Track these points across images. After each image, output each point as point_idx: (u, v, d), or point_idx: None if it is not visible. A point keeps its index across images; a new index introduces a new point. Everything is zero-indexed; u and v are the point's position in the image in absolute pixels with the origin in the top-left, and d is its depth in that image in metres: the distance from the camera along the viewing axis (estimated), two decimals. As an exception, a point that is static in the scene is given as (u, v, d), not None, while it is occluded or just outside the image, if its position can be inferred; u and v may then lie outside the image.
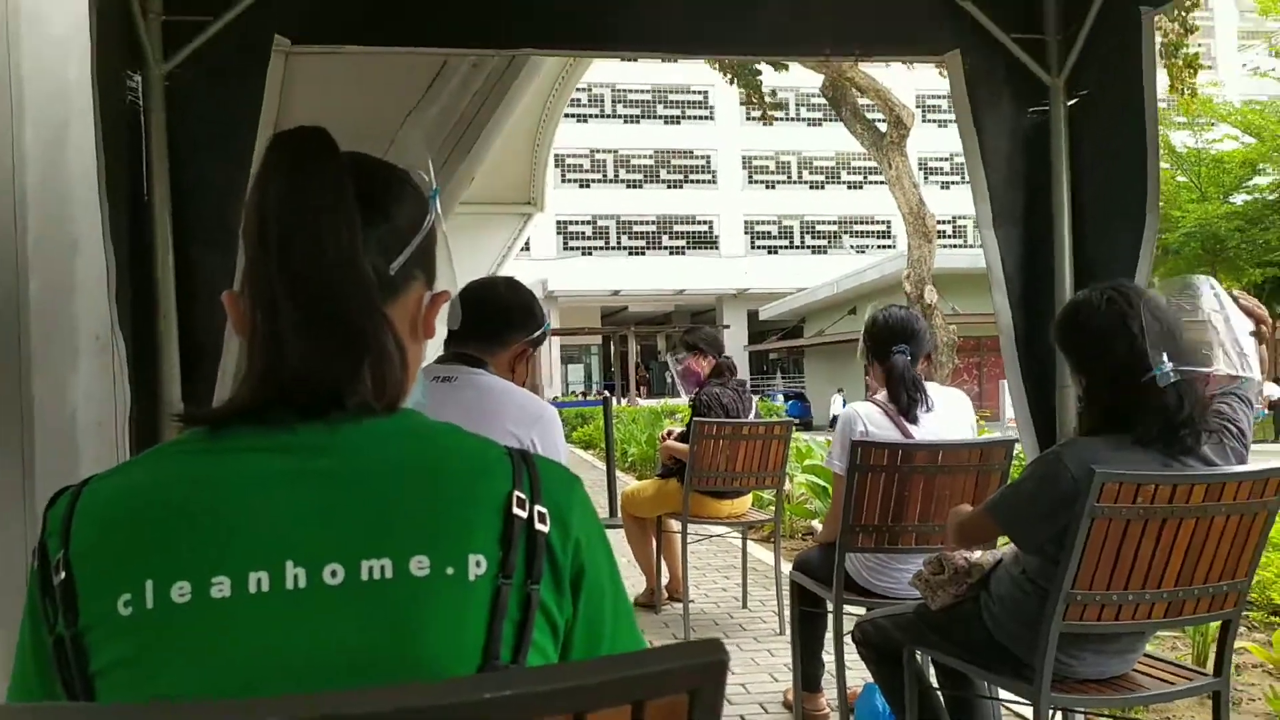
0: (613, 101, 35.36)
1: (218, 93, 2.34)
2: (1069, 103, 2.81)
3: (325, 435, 0.78)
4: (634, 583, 4.98)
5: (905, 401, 2.91)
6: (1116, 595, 1.94)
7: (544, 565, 0.77)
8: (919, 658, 2.42)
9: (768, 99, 13.02)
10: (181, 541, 0.72)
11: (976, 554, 2.24)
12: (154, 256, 2.15)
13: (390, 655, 0.71)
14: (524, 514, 0.78)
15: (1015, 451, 2.93)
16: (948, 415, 2.95)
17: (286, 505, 0.75)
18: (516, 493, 0.79)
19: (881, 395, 2.98)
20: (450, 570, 0.74)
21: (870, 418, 2.89)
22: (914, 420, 2.89)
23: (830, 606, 2.92)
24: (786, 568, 4.43)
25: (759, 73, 11.92)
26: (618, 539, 5.12)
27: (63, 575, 0.73)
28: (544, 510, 0.79)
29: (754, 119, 12.70)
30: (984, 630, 2.12)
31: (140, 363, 2.09)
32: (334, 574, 0.72)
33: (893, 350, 2.93)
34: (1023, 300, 2.82)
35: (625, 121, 35.46)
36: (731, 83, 12.60)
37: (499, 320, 2.05)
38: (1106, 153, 2.75)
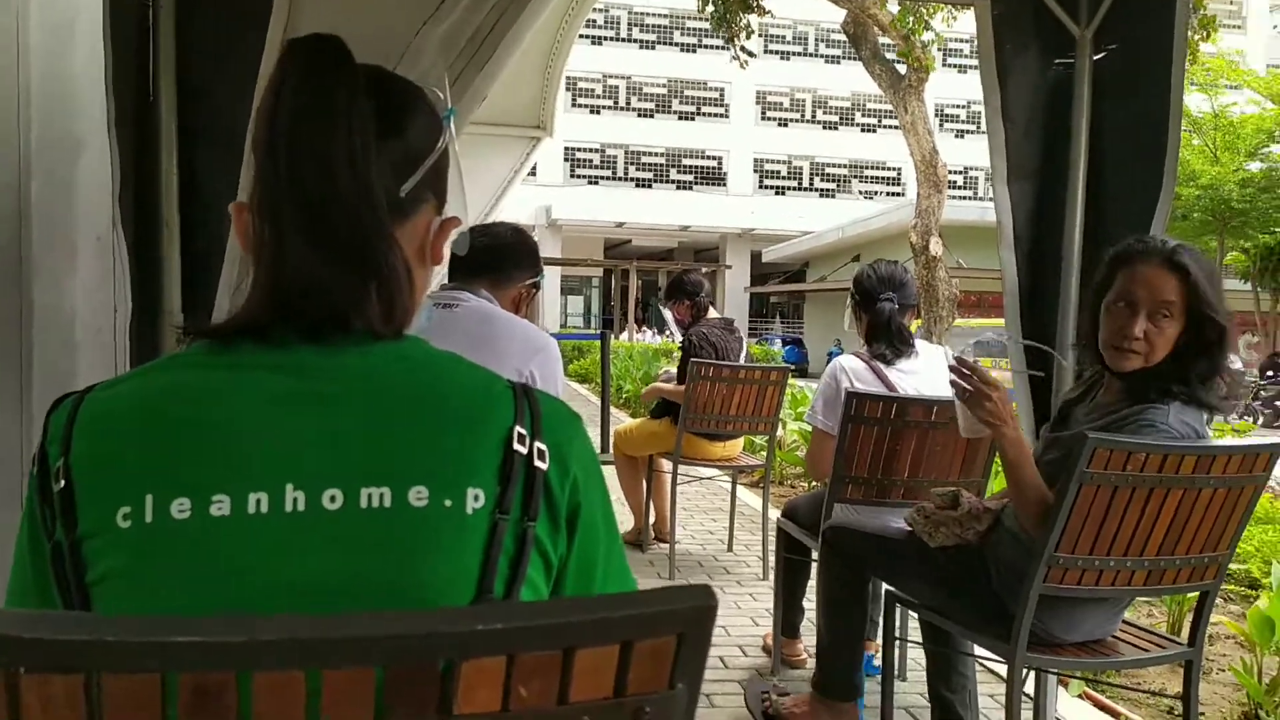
0: (629, 25, 34.62)
1: (228, -10, 2.28)
2: (1095, 56, 2.75)
3: (330, 358, 0.78)
4: (622, 520, 5.04)
5: (888, 350, 2.93)
6: (1099, 561, 1.96)
7: (541, 502, 0.78)
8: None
9: (759, 37, 12.29)
10: (183, 457, 0.73)
11: (992, 502, 2.24)
12: (158, 159, 2.11)
13: (384, 584, 0.71)
14: (524, 450, 0.78)
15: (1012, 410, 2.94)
16: (931, 371, 2.96)
17: (289, 427, 0.74)
18: (517, 428, 0.79)
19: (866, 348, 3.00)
20: (448, 503, 0.74)
21: (855, 371, 2.91)
22: (892, 365, 2.91)
23: (814, 555, 2.96)
24: (774, 513, 4.49)
25: (752, 9, 11.23)
26: (609, 475, 5.17)
27: (62, 483, 0.73)
28: (543, 447, 0.79)
29: (744, 57, 11.73)
30: (985, 581, 2.12)
31: (141, 267, 2.07)
32: (333, 499, 0.72)
33: (879, 298, 2.95)
34: (1030, 258, 2.80)
35: (641, 47, 34.76)
36: (715, 24, 11.83)
37: (506, 260, 2.14)
38: (1129, 110, 2.70)
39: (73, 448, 0.74)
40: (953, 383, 2.10)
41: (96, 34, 2.01)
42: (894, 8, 10.24)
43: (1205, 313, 1.93)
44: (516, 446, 0.78)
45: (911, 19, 10.53)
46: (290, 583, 0.70)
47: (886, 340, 2.96)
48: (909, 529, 2.29)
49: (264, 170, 0.79)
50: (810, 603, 3.15)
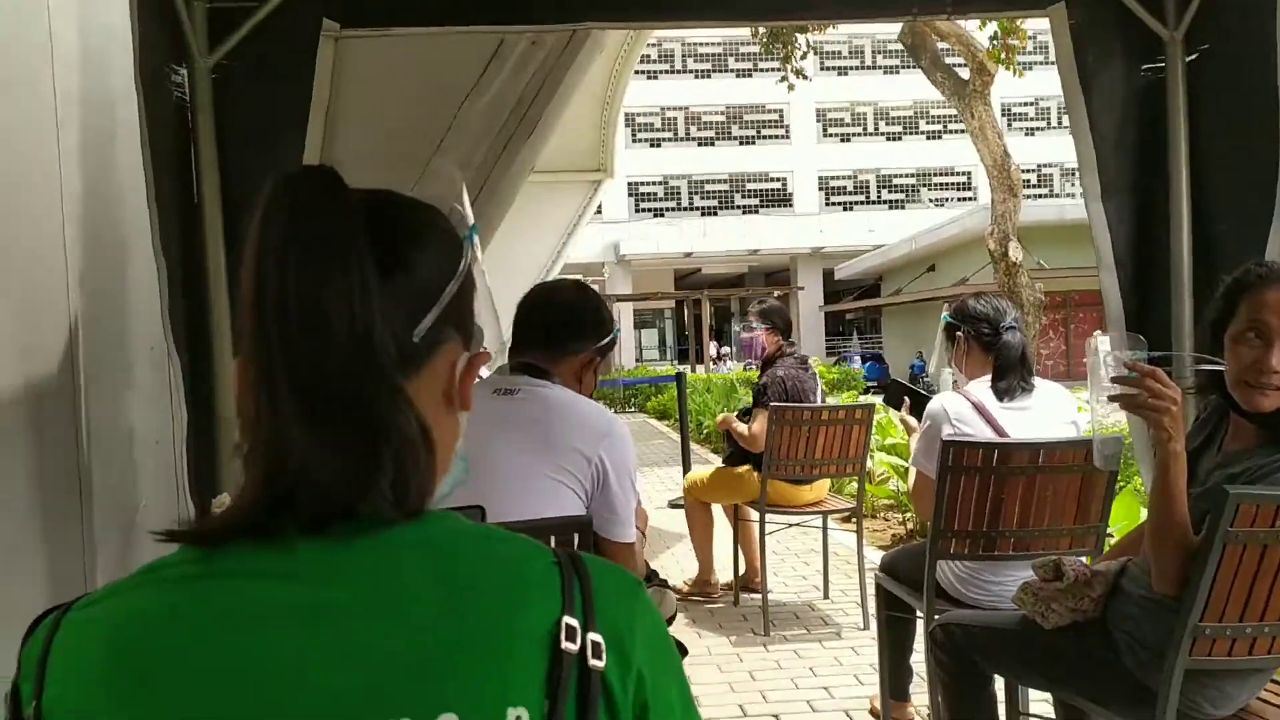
0: (683, 57, 34.74)
1: (266, 83, 2.25)
2: (1188, 58, 2.54)
3: (333, 554, 0.66)
4: (688, 569, 4.87)
5: (1019, 384, 2.68)
6: (1251, 628, 1.73)
7: (600, 712, 0.64)
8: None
9: (814, 54, 12.47)
10: (169, 698, 0.61)
11: (1101, 564, 2.01)
12: (205, 264, 2.06)
13: None
14: (574, 647, 0.64)
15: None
16: (1045, 409, 2.72)
17: (290, 652, 0.62)
18: (566, 619, 0.65)
19: (975, 385, 2.76)
20: None
21: (960, 415, 2.67)
22: (1005, 404, 2.67)
23: (919, 613, 2.74)
24: (870, 554, 4.25)
25: (805, 29, 11.20)
26: (679, 520, 5.00)
27: None
28: (599, 640, 0.65)
29: (784, 81, 11.83)
30: (1115, 659, 1.88)
31: (195, 376, 2.02)
32: None
33: (1002, 328, 2.72)
34: (1135, 282, 2.58)
35: (696, 77, 34.82)
36: (764, 48, 11.98)
37: (566, 328, 1.93)
38: (1230, 113, 2.47)
39: (46, 688, 0.63)
40: (1121, 395, 1.71)
41: (136, 139, 1.97)
42: (961, 24, 9.99)
43: None
44: (565, 644, 0.64)
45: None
46: None
47: (1018, 374, 2.69)
48: (1020, 611, 2.06)
49: (251, 330, 0.68)
50: (918, 660, 2.93)
